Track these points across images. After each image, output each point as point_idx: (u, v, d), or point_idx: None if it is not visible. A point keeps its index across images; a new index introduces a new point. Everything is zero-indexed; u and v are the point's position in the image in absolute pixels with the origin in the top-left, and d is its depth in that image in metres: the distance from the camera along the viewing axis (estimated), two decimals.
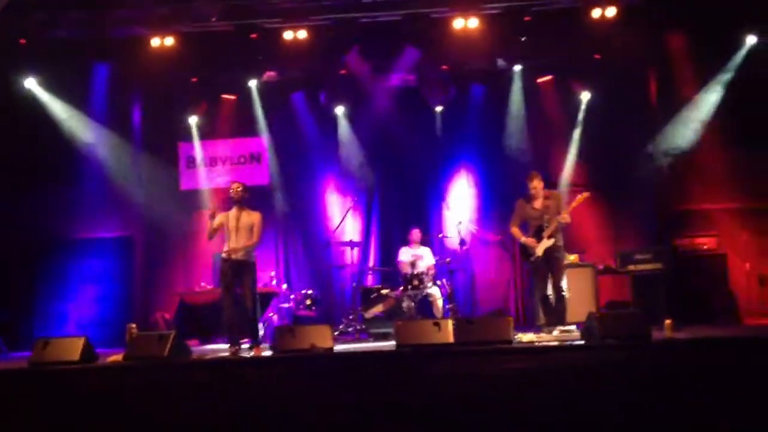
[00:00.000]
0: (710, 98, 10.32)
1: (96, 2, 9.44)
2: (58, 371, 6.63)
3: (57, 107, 10.67)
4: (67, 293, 10.80)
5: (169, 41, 9.96)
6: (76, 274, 10.89)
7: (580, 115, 10.77)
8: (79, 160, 10.89)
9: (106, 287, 10.94)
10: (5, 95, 10.30)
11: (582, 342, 6.83)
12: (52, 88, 10.58)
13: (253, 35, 9.89)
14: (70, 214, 11.01)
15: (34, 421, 5.48)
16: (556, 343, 6.90)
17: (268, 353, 7.29)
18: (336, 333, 8.61)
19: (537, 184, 7.92)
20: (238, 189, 7.74)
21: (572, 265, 9.04)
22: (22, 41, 9.84)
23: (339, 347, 7.60)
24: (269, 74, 11.03)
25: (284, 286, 10.56)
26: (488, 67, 10.86)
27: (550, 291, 7.83)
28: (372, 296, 9.46)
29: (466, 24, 9.70)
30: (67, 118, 10.72)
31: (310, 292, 10.14)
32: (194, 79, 10.97)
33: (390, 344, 7.50)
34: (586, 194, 7.91)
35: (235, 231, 7.63)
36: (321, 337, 7.03)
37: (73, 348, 6.96)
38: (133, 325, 8.11)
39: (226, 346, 7.81)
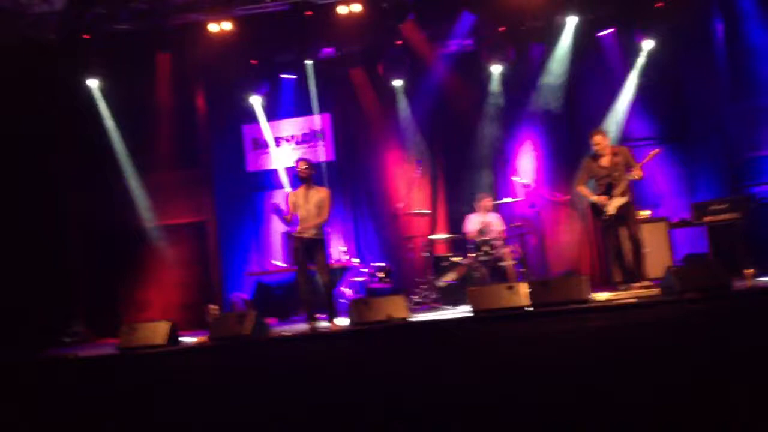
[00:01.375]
0: None
1: None
2: (146, 354, 6.89)
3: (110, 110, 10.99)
4: (148, 279, 11.13)
5: (227, 25, 10.12)
6: (156, 260, 11.21)
7: (644, 67, 10.47)
8: (149, 152, 11.17)
9: (185, 272, 11.22)
10: (71, 92, 10.64)
11: (661, 297, 6.73)
12: (118, 81, 10.82)
13: (308, 12, 9.94)
14: (147, 204, 11.29)
15: (125, 404, 5.69)
16: (634, 300, 6.81)
17: (345, 326, 7.39)
18: (411, 303, 8.69)
19: (600, 140, 7.79)
20: (305, 167, 7.84)
21: (645, 221, 8.88)
22: (86, 36, 10.10)
23: (415, 317, 7.66)
24: (327, 51, 11.07)
25: (356, 260, 10.67)
26: (546, 24, 10.64)
27: (624, 247, 7.72)
28: (443, 265, 9.48)
29: None
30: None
31: (382, 264, 10.22)
32: (254, 61, 11.07)
33: (465, 311, 7.52)
34: (657, 150, 7.76)
35: (305, 209, 7.74)
36: (396, 308, 7.11)
37: (159, 332, 7.20)
38: (215, 307, 8.32)
39: (304, 323, 7.96)
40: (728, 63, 10.22)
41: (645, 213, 9.13)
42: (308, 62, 11.06)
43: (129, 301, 11.02)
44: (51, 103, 10.32)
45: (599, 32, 10.60)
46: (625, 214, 7.60)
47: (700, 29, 10.32)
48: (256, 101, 11.37)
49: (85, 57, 10.44)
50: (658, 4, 10.03)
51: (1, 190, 9.64)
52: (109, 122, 10.96)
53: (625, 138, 10.32)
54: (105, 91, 10.90)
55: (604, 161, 7.77)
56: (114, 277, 11.01)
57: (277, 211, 7.78)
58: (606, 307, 6.68)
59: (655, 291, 7.11)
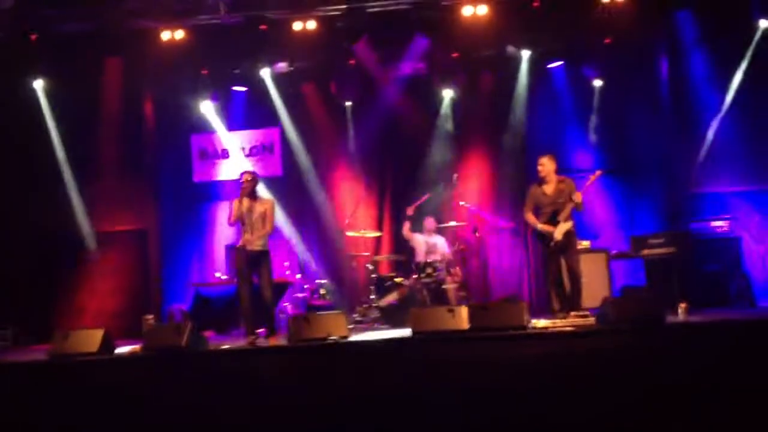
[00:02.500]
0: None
1: None
2: (78, 363, 6.72)
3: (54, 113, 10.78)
4: (86, 285, 10.88)
5: (180, 34, 10.02)
6: (95, 266, 10.97)
7: (592, 100, 10.73)
8: (93, 157, 10.95)
9: (123, 279, 11.01)
10: (13, 94, 10.41)
11: (597, 326, 6.84)
12: (63, 84, 10.63)
13: (263, 27, 9.93)
14: (88, 209, 11.06)
15: (53, 412, 5.55)
16: (571, 329, 6.91)
17: (283, 343, 7.33)
18: (351, 322, 8.66)
19: (546, 163, 7.91)
20: (248, 179, 7.76)
21: (585, 251, 9.04)
22: (33, 37, 9.89)
23: (354, 336, 7.64)
24: (279, 65, 11.04)
25: (298, 275, 10.61)
26: (498, 53, 10.82)
27: (563, 276, 7.85)
28: (386, 285, 9.48)
29: (476, 11, 9.70)
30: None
31: (324, 281, 10.17)
32: (205, 71, 10.98)
33: (405, 332, 7.53)
34: (598, 172, 7.95)
35: (249, 221, 7.67)
36: (336, 326, 7.08)
37: (92, 340, 7.04)
38: (150, 317, 8.18)
39: (242, 337, 7.87)
40: (672, 100, 10.53)
41: (585, 243, 9.29)
42: (266, 73, 10.98)
43: (64, 307, 10.74)
44: None
45: (549, 64, 10.81)
46: (566, 243, 7.72)
47: (646, 66, 10.61)
48: (207, 108, 11.25)
49: (31, 57, 10.21)
50: (606, 41, 10.28)
51: None
52: (52, 125, 10.75)
53: (569, 169, 10.48)
54: (50, 94, 10.70)
55: (549, 189, 7.89)
56: (50, 282, 10.77)
57: (229, 221, 7.74)
58: (543, 335, 6.77)
59: (591, 320, 7.23)
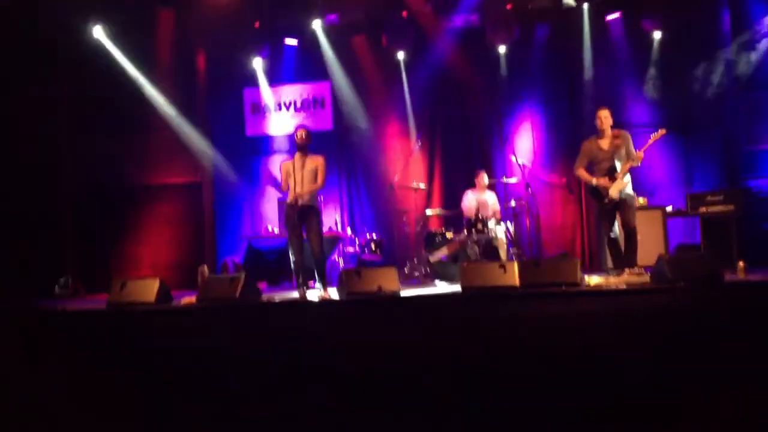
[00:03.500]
0: None
1: None
2: (136, 312, 6.88)
3: (123, 57, 10.79)
4: (141, 237, 11.11)
5: None
6: (150, 218, 11.17)
7: (651, 53, 10.43)
8: (148, 107, 11.02)
9: (178, 231, 11.20)
10: (74, 43, 10.49)
11: (652, 285, 6.73)
12: (118, 36, 10.68)
13: None
14: (142, 161, 11.21)
15: (112, 359, 5.70)
16: (625, 286, 6.81)
17: (335, 296, 7.39)
18: (402, 276, 8.68)
19: (605, 120, 7.72)
20: (303, 135, 7.77)
21: (641, 208, 8.88)
22: None
23: (405, 290, 7.66)
24: (330, 17, 10.95)
25: (348, 230, 10.66)
26: (553, 5, 10.55)
27: (617, 233, 7.72)
28: (437, 240, 9.46)
29: None
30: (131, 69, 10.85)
31: (374, 235, 10.22)
32: (257, 24, 10.94)
33: (455, 287, 7.52)
34: (662, 131, 7.67)
35: (300, 176, 7.69)
36: (387, 280, 7.08)
37: (149, 289, 7.18)
38: (205, 267, 8.29)
39: (294, 290, 7.95)
40: (735, 52, 10.18)
41: (642, 200, 9.12)
42: (317, 25, 10.90)
43: (121, 257, 11.02)
44: (51, 53, 10.18)
45: (607, 16, 10.52)
46: (623, 200, 7.57)
47: (707, 19, 10.26)
48: (257, 64, 11.27)
49: (87, 5, 10.26)
50: None
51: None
52: (127, 65, 10.78)
53: (625, 123, 10.24)
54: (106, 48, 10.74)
55: (605, 144, 7.71)
56: (107, 232, 10.99)
57: (273, 181, 7.74)
58: (597, 292, 6.68)
59: (646, 278, 7.11)
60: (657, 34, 10.33)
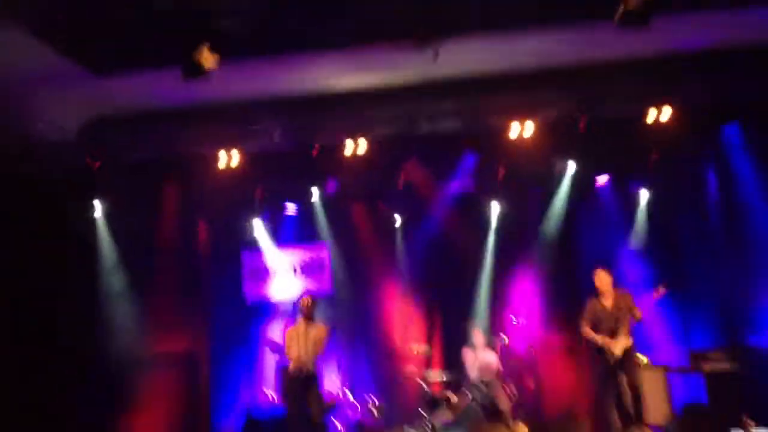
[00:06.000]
0: None
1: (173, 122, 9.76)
2: None
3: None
4: (135, 407, 10.80)
5: (235, 160, 10.29)
6: (143, 389, 10.92)
7: (640, 214, 10.78)
8: (146, 281, 10.97)
9: (173, 401, 10.85)
10: (76, 221, 10.58)
11: None
12: (121, 209, 10.85)
13: (314, 152, 10.21)
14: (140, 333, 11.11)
15: None
16: None
17: None
18: None
19: (604, 278, 7.86)
20: (308, 303, 7.81)
21: (644, 367, 8.85)
22: (96, 164, 10.23)
23: None
24: (330, 185, 11.31)
25: (348, 394, 10.50)
26: (545, 169, 10.98)
27: (623, 392, 7.67)
28: (439, 403, 9.33)
29: (522, 132, 9.78)
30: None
31: (375, 399, 10.06)
32: (258, 192, 11.27)
33: None
34: (663, 289, 7.80)
35: (304, 344, 7.66)
36: None
37: None
38: None
39: None
40: (721, 213, 10.50)
41: (644, 358, 9.11)
42: (315, 193, 11.24)
43: (114, 428, 10.68)
44: (57, 231, 10.32)
45: (596, 179, 10.94)
46: (626, 358, 7.59)
47: (694, 180, 10.66)
48: (258, 228, 11.51)
49: (93, 185, 10.53)
50: (652, 155, 10.38)
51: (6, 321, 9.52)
52: (110, 250, 10.90)
53: (620, 282, 10.41)
54: (109, 218, 10.88)
55: (608, 303, 7.81)
56: (101, 404, 10.71)
57: (273, 347, 7.73)
58: None
59: None
60: (645, 195, 10.71)
